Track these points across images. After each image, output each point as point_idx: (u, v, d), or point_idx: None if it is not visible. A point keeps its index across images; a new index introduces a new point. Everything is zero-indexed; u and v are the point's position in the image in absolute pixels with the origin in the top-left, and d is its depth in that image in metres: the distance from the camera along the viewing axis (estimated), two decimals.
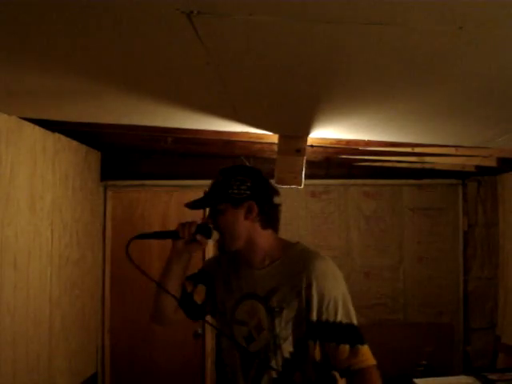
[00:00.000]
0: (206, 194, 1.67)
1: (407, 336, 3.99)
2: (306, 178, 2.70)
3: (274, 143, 2.82)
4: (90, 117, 2.59)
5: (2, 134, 2.43)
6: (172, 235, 1.65)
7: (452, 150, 3.18)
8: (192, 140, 3.16)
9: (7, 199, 2.48)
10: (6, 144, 2.47)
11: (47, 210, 2.93)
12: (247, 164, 3.53)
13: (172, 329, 3.33)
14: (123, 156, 3.92)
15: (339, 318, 1.54)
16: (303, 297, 1.54)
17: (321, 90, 1.81)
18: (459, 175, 4.01)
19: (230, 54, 1.43)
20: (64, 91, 1.96)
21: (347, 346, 1.52)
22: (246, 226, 1.61)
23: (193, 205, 1.64)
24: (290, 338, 1.56)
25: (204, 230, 1.63)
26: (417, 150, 3.17)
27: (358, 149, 3.14)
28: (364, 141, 3.00)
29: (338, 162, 3.84)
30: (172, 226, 1.67)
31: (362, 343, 1.53)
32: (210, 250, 3.46)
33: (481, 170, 3.76)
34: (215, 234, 1.63)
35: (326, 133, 2.67)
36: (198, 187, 3.16)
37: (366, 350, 1.53)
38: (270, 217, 1.65)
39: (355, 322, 1.56)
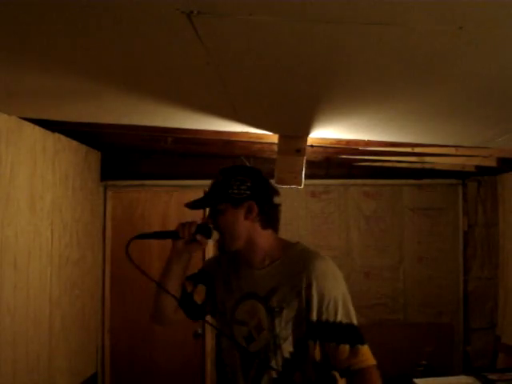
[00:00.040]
0: (205, 194, 1.67)
1: (407, 336, 3.99)
2: (306, 178, 2.70)
3: (274, 143, 2.82)
4: (90, 117, 2.59)
5: (2, 134, 2.43)
6: (172, 235, 1.65)
7: (452, 150, 3.18)
8: (192, 140, 3.16)
9: (7, 199, 2.48)
10: (6, 144, 2.47)
11: (47, 209, 2.93)
12: (247, 164, 3.53)
13: (172, 329, 3.33)
14: (123, 156, 3.92)
15: (339, 317, 1.54)
16: (303, 297, 1.54)
17: (321, 90, 1.81)
18: (459, 175, 4.01)
19: (230, 53, 1.43)
20: (64, 91, 1.96)
21: (347, 346, 1.52)
22: (246, 226, 1.61)
23: (193, 205, 1.64)
24: (290, 338, 1.56)
25: (204, 229, 1.63)
26: (417, 149, 3.16)
27: (358, 149, 3.14)
28: (364, 141, 2.99)
29: (338, 162, 3.84)
30: (172, 226, 1.67)
31: (362, 343, 1.53)
32: (210, 250, 3.45)
33: (481, 170, 3.76)
34: (215, 234, 1.63)
35: (325, 133, 2.66)
36: (198, 187, 3.18)
37: (366, 350, 1.53)
38: (269, 217, 1.65)
39: (355, 321, 1.56)
